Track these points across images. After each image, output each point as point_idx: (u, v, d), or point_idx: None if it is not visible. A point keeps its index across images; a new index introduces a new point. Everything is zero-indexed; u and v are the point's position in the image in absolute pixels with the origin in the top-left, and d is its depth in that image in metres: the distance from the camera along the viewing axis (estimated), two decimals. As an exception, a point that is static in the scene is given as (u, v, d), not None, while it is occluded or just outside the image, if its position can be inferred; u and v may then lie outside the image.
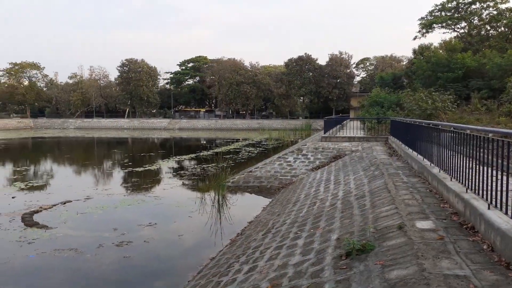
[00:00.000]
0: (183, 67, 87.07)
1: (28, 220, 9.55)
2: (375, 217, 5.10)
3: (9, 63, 78.33)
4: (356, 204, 6.34)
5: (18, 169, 20.08)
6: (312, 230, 5.60)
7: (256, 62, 76.18)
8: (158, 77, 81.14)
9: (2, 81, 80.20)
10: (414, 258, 3.30)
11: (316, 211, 6.96)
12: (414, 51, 40.03)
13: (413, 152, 9.35)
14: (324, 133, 18.64)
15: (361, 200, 6.51)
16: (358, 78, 76.70)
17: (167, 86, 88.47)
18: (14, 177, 16.95)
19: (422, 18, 42.51)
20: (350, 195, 7.34)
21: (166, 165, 20.60)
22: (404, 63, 63.07)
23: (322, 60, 73.88)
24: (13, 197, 12.37)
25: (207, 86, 78.61)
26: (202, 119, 75.54)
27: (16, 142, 40.98)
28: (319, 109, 70.70)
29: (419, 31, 42.50)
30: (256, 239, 6.65)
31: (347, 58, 66.39)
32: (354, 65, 73.52)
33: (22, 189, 13.91)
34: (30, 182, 15.39)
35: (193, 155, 25.35)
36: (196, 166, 20.04)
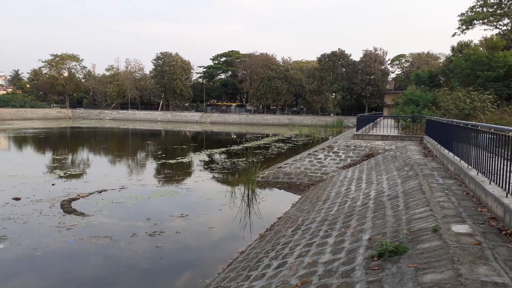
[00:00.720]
0: (216, 61, 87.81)
1: (67, 207, 9.99)
2: (408, 219, 5.01)
3: (51, 55, 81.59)
4: (389, 204, 6.24)
5: (57, 157, 20.98)
6: (342, 229, 5.56)
7: (288, 57, 75.81)
8: (192, 71, 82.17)
9: (44, 72, 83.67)
10: (450, 263, 3.23)
11: (347, 210, 6.91)
12: (453, 48, 38.55)
13: (450, 153, 9.07)
14: (356, 131, 18.36)
15: (394, 200, 6.40)
16: (392, 75, 74.77)
17: (200, 80, 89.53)
18: (54, 165, 17.73)
19: (462, 14, 40.89)
20: (382, 195, 7.22)
21: (197, 158, 20.93)
22: (442, 60, 60.94)
23: (356, 56, 72.71)
24: (53, 184, 12.96)
25: (239, 80, 78.96)
26: (233, 114, 76.00)
27: (55, 131, 42.78)
28: (351, 106, 69.57)
29: (459, 28, 40.92)
30: (285, 235, 6.68)
31: (381, 54, 64.81)
32: (388, 62, 71.69)
33: (61, 176, 14.54)
34: (68, 170, 16.06)
35: (223, 149, 25.62)
36: (226, 160, 20.26)
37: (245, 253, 6.70)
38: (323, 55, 66.87)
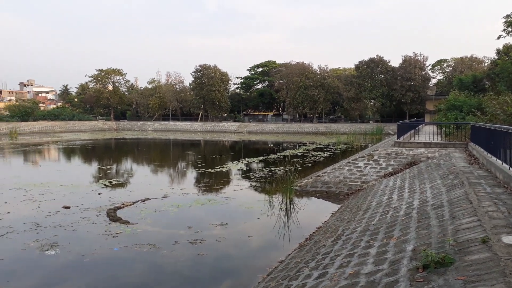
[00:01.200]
0: (253, 72, 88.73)
1: (112, 215, 10.41)
2: (454, 229, 4.83)
3: (96, 70, 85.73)
4: (433, 214, 6.04)
5: (103, 167, 21.93)
6: (385, 240, 5.44)
7: (325, 65, 75.18)
8: (229, 82, 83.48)
9: (90, 86, 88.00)
10: (501, 276, 3.09)
11: (389, 220, 6.74)
12: (498, 52, 36.77)
13: (498, 160, 8.65)
14: (397, 138, 17.90)
15: (438, 210, 6.18)
16: (434, 81, 72.27)
17: (237, 90, 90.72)
18: (100, 175, 18.54)
19: (508, 16, 38.95)
20: (426, 204, 7.00)
21: (235, 167, 21.16)
22: (486, 64, 58.21)
23: (395, 62, 70.92)
24: (99, 193, 13.56)
25: (275, 90, 79.26)
26: (270, 123, 76.27)
27: (101, 142, 44.73)
28: (391, 112, 67.82)
29: (504, 30, 38.90)
30: (325, 245, 6.61)
31: (422, 60, 62.89)
32: (429, 67, 69.41)
33: (107, 186, 15.17)
34: (113, 180, 16.74)
35: (261, 158, 25.74)
36: (264, 169, 20.33)
37: (285, 263, 6.69)
38: (360, 62, 65.87)
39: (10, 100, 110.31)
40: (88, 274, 6.85)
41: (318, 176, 14.78)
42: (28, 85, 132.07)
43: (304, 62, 74.04)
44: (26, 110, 73.16)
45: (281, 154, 28.33)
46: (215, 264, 7.32)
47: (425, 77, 63.44)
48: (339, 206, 11.37)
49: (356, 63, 67.10)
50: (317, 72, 72.96)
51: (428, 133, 19.64)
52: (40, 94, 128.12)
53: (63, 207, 11.30)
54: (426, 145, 15.86)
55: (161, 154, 32.79)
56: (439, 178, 9.43)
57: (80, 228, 9.34)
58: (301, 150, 31.91)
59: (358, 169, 14.59)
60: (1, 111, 76.76)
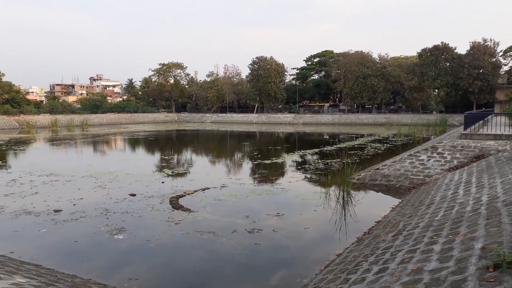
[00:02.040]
0: (309, 63, 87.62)
1: (175, 203, 10.91)
2: (530, 228, 4.49)
3: (159, 64, 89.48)
4: (505, 211, 5.65)
5: (165, 157, 22.97)
6: (450, 236, 5.19)
7: (385, 54, 72.15)
8: (285, 73, 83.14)
9: (153, 79, 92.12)
10: None
11: (454, 215, 6.41)
12: None
13: None
14: (464, 130, 16.85)
15: (511, 207, 5.77)
16: (505, 68, 66.62)
17: (293, 81, 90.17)
18: (163, 165, 19.45)
19: None
20: (496, 200, 6.56)
21: (291, 159, 21.16)
22: None
23: (461, 49, 66.38)
24: (162, 182, 14.25)
25: (332, 80, 77.66)
26: (326, 114, 75.00)
27: (163, 133, 46.80)
28: (457, 102, 63.74)
29: None
30: (385, 240, 6.45)
31: (492, 46, 58.14)
32: (500, 54, 63.92)
33: (169, 175, 15.89)
34: (175, 170, 17.48)
35: (316, 150, 25.48)
36: (319, 161, 20.12)
37: (343, 256, 6.63)
38: (423, 50, 62.37)
39: (81, 93, 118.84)
40: (152, 258, 7.26)
41: (378, 169, 14.36)
42: (97, 80, 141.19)
43: (363, 51, 71.62)
44: (95, 103, 78.39)
45: (338, 146, 27.83)
46: (272, 253, 7.43)
47: (496, 64, 58.68)
48: (400, 200, 10.99)
49: (419, 51, 63.67)
50: (377, 60, 70.31)
51: (498, 124, 18.22)
52: (107, 88, 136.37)
53: (130, 195, 12.04)
54: (496, 137, 14.77)
55: (218, 145, 33.63)
56: (511, 172, 8.77)
57: (145, 215, 9.90)
58: (359, 142, 31.11)
59: (421, 162, 13.96)
60: (74, 104, 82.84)
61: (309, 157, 22.33)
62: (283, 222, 9.29)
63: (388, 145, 27.76)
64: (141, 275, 6.48)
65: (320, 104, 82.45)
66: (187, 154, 26.15)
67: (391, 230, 7.04)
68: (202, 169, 18.42)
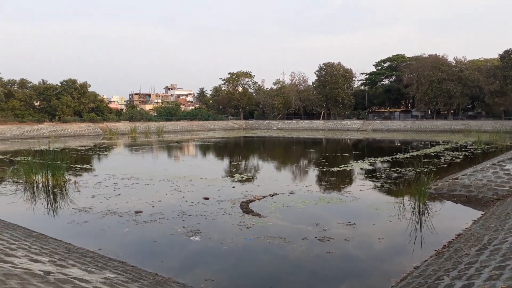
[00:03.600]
0: (379, 67, 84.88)
1: (245, 207, 11.19)
2: None
3: (228, 73, 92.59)
4: None
5: (234, 163, 23.61)
6: (545, 254, 4.77)
7: (463, 57, 67.63)
8: (353, 78, 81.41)
9: (223, 88, 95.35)
10: None
11: (549, 231, 5.85)
12: None
13: None
14: (558, 138, 15.20)
15: None
16: None
17: (362, 87, 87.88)
18: (232, 170, 20.02)
19: None
20: None
21: (359, 166, 20.61)
22: None
23: (555, 48, 59.76)
24: (233, 187, 14.68)
25: (404, 85, 74.38)
26: (397, 120, 71.91)
27: (232, 140, 48.12)
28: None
29: None
30: (468, 254, 6.07)
31: None
32: None
33: (239, 180, 16.32)
34: (244, 175, 17.91)
35: (388, 158, 24.53)
36: (391, 169, 19.36)
37: (420, 269, 6.34)
38: (506, 52, 57.49)
39: (157, 102, 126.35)
40: (225, 261, 7.52)
41: (456, 178, 13.49)
42: (171, 89, 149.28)
43: (438, 54, 67.79)
44: (170, 111, 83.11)
45: (411, 153, 26.57)
46: (344, 263, 7.33)
47: None
48: (483, 212, 10.23)
49: (501, 53, 58.79)
50: (453, 64, 66.15)
51: None
52: (181, 97, 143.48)
53: (203, 198, 12.58)
54: None
55: (285, 152, 33.76)
56: None
57: (218, 218, 10.28)
58: (434, 149, 29.40)
59: (506, 171, 12.87)
60: (150, 112, 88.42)
61: (379, 165, 21.58)
62: (355, 231, 9.10)
63: (467, 153, 25.90)
64: (216, 276, 6.74)
65: (390, 110, 79.38)
66: (255, 160, 26.61)
67: (474, 244, 6.60)
68: (270, 175, 18.64)
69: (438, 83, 64.26)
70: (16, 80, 75.05)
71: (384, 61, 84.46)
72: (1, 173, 19.89)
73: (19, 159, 24.00)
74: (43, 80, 75.33)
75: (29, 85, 74.38)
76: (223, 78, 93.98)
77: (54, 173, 15.46)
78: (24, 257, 5.16)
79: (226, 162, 25.64)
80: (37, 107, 70.05)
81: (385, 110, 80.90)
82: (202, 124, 78.27)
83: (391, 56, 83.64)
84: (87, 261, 6.35)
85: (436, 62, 65.80)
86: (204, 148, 35.74)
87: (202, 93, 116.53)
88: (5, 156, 28.42)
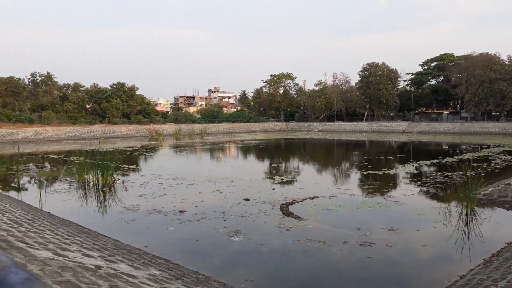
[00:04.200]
0: (426, 67, 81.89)
1: (285, 210, 11.24)
2: None
3: (270, 75, 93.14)
4: None
5: (274, 165, 23.71)
6: None
7: (518, 55, 63.67)
8: (399, 79, 79.08)
9: (264, 90, 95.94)
10: None
11: None
12: None
13: None
14: None
15: None
16: None
17: (407, 87, 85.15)
18: (272, 172, 20.14)
19: None
20: None
21: (404, 170, 20.02)
22: None
23: None
24: (273, 189, 14.78)
25: (452, 85, 71.27)
26: (445, 122, 69.00)
27: (272, 142, 48.27)
28: None
29: None
30: (519, 264, 5.78)
31: None
32: None
33: (279, 182, 16.40)
34: (284, 177, 17.97)
35: (434, 161, 23.63)
36: (438, 173, 18.64)
37: (467, 278, 6.13)
38: None
39: (200, 104, 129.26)
40: (265, 262, 7.62)
41: (508, 184, 12.80)
42: (214, 92, 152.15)
43: (489, 53, 64.33)
44: (213, 114, 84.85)
45: (459, 157, 25.42)
46: (386, 269, 7.20)
47: None
48: (538, 221, 9.66)
49: None
50: (506, 63, 62.50)
51: None
52: (223, 99, 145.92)
53: (244, 199, 12.77)
54: None
55: (326, 154, 33.41)
56: None
57: (258, 219, 10.42)
58: (485, 153, 27.96)
59: None
60: (194, 114, 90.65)
61: (425, 168, 20.85)
62: (398, 237, 8.90)
63: (523, 158, 24.40)
64: (256, 277, 6.86)
65: (438, 111, 76.30)
66: (295, 162, 26.57)
67: (526, 255, 6.28)
68: (310, 177, 18.56)
69: (489, 83, 60.96)
70: (70, 84, 79.79)
71: (431, 60, 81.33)
72: (56, 172, 21.24)
73: (72, 159, 25.49)
74: (94, 83, 79.63)
75: (81, 88, 78.81)
76: (264, 80, 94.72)
77: (104, 173, 16.28)
78: (77, 252, 5.54)
79: (266, 164, 25.79)
80: (89, 109, 73.87)
81: (432, 112, 77.77)
82: (244, 126, 79.12)
83: (438, 55, 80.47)
84: (133, 258, 6.69)
85: (487, 61, 62.47)
86: (245, 150, 36.13)
87: (244, 95, 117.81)
88: (59, 156, 30.27)
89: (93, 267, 4.69)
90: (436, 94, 76.55)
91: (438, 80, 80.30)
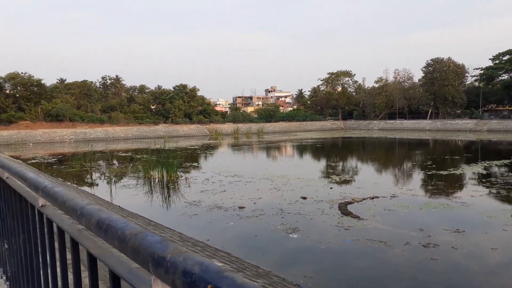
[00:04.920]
0: (497, 61, 75.89)
1: (344, 209, 11.16)
2: None
3: (327, 73, 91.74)
4: None
5: (332, 164, 23.45)
6: None
7: None
8: (466, 74, 74.23)
9: (321, 88, 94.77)
10: None
11: None
12: None
13: None
14: None
15: None
16: None
17: (475, 83, 79.61)
18: (329, 171, 19.96)
19: None
20: None
21: (471, 170, 18.86)
22: None
23: None
24: (330, 188, 14.69)
25: (529, 80, 65.41)
26: (519, 120, 63.54)
27: (329, 141, 47.64)
28: None
29: None
30: None
31: None
32: None
33: (337, 181, 16.24)
34: (342, 176, 17.75)
35: (506, 161, 22.01)
36: (509, 174, 17.37)
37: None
38: None
39: (258, 104, 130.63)
40: (323, 260, 7.67)
41: None
42: (271, 91, 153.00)
43: None
44: (269, 113, 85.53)
45: (537, 157, 23.41)
46: (451, 272, 6.94)
47: None
48: None
49: None
50: None
51: None
52: (280, 99, 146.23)
53: (301, 197, 12.86)
54: None
55: (386, 153, 32.34)
56: None
57: (316, 218, 10.45)
58: None
59: None
60: (251, 114, 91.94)
61: (495, 169, 19.50)
62: (464, 239, 8.50)
63: None
64: (314, 274, 6.95)
65: (510, 109, 70.49)
66: (353, 162, 26.04)
67: None
68: (370, 177, 18.14)
69: None
70: (136, 86, 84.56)
71: (503, 54, 75.12)
72: (124, 168, 22.73)
73: (139, 156, 27.08)
74: (158, 85, 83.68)
75: (147, 90, 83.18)
76: (322, 79, 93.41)
77: (168, 170, 17.18)
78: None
79: (323, 163, 25.57)
80: (153, 110, 77.79)
81: (503, 109, 71.92)
82: (300, 125, 78.77)
83: (511, 48, 74.25)
84: (198, 250, 7.07)
85: None
86: (302, 149, 36.04)
87: (300, 94, 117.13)
88: (127, 154, 32.30)
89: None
90: (509, 89, 70.57)
91: (511, 75, 74.15)
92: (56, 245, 1.36)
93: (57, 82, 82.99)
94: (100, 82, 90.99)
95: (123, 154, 32.29)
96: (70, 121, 60.91)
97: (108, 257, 1.00)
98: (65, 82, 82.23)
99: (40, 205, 1.45)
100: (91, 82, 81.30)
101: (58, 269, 1.35)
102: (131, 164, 24.08)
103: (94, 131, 57.73)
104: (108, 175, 20.02)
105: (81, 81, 76.83)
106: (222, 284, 0.57)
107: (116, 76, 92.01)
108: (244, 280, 0.57)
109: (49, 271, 1.50)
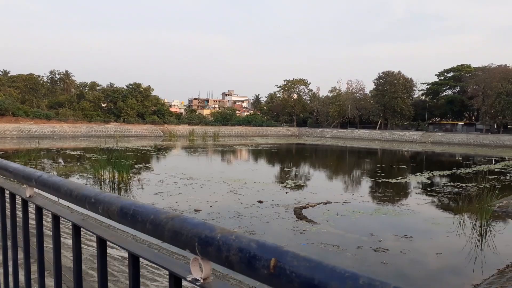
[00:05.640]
0: (442, 77, 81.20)
1: (299, 213, 11.37)
2: None
3: (284, 80, 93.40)
4: None
5: (287, 169, 23.81)
6: None
7: (537, 68, 62.81)
8: (414, 88, 78.61)
9: (278, 95, 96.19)
10: None
11: None
12: None
13: None
14: None
15: None
16: None
17: (422, 97, 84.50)
18: (285, 176, 20.25)
19: None
20: None
21: (417, 180, 19.93)
22: None
23: None
24: (286, 192, 14.91)
25: (468, 97, 70.46)
26: (459, 133, 68.16)
27: (284, 146, 48.38)
28: None
29: None
30: (534, 275, 5.83)
31: None
32: None
33: (292, 186, 16.51)
34: (297, 182, 18.07)
35: (448, 172, 23.47)
36: (451, 184, 18.55)
37: (481, 287, 6.19)
38: None
39: (214, 107, 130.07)
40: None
41: (524, 197, 12.70)
42: (228, 95, 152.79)
43: (507, 65, 63.63)
44: (226, 116, 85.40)
45: (473, 169, 25.19)
46: (400, 275, 7.28)
47: None
48: (553, 235, 9.61)
49: None
50: (525, 75, 61.61)
51: None
52: (237, 103, 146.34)
53: (258, 201, 12.93)
54: None
55: (338, 161, 33.38)
56: None
57: (272, 221, 10.55)
58: (500, 165, 27.63)
59: None
60: (207, 116, 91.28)
61: (438, 179, 20.74)
62: (411, 244, 8.95)
63: (539, 172, 24.06)
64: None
65: (452, 122, 75.48)
66: (307, 168, 26.62)
67: (541, 266, 6.31)
68: (323, 183, 18.63)
69: (506, 96, 60.20)
70: (87, 83, 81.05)
71: (448, 71, 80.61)
72: (72, 167, 21.68)
73: (88, 155, 25.95)
74: (110, 83, 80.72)
75: (98, 87, 79.92)
76: (278, 85, 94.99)
77: (120, 170, 16.60)
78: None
79: (278, 168, 25.90)
80: (104, 108, 74.91)
81: (446, 122, 76.94)
82: (256, 130, 79.38)
83: (455, 66, 79.67)
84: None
85: (505, 73, 61.76)
86: (258, 153, 36.30)
87: (257, 99, 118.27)
88: (76, 152, 30.84)
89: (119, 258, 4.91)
90: (452, 104, 75.75)
91: (454, 91, 79.46)
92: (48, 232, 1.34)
93: (0, 73, 77.81)
94: (48, 76, 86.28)
95: (71, 153, 30.82)
96: (13, 115, 57.17)
97: (122, 241, 1.03)
98: (9, 74, 77.24)
99: (27, 196, 1.41)
100: (38, 75, 76.90)
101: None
102: (79, 163, 23.03)
103: (40, 127, 54.66)
104: (55, 173, 18.99)
105: (26, 74, 72.44)
106: (286, 256, 0.59)
107: (66, 71, 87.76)
108: (305, 254, 0.59)
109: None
